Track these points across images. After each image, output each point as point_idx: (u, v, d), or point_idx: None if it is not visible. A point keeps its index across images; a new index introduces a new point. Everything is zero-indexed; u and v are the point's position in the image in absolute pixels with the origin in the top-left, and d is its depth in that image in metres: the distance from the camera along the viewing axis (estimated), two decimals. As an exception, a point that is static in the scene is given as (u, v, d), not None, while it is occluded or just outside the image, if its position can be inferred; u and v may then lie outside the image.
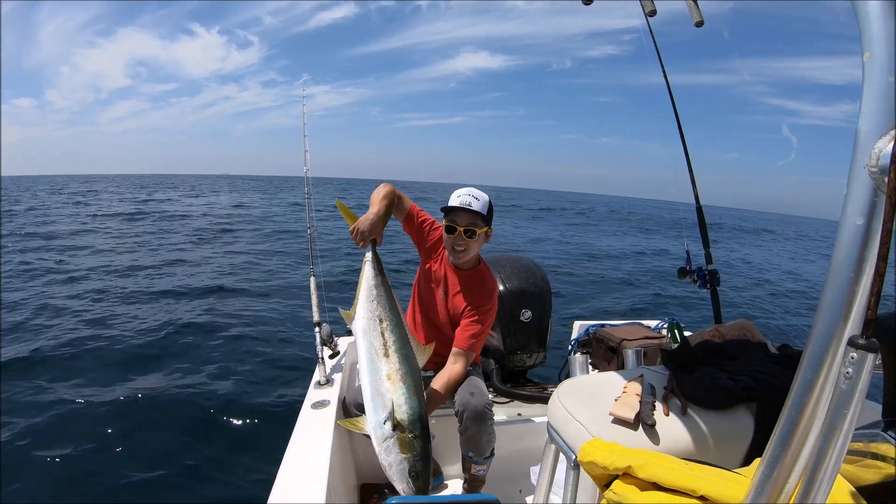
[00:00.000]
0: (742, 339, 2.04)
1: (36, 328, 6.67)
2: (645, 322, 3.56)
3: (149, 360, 5.79)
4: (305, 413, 2.38)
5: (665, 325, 3.43)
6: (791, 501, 0.69)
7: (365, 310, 2.15)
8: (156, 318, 7.29)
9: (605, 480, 1.02)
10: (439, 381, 2.32)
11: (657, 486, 0.89)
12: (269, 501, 1.74)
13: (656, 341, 3.05)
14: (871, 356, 0.59)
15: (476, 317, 2.44)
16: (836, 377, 0.63)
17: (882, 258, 0.59)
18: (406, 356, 2.06)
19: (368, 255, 2.25)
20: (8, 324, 6.72)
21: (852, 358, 0.60)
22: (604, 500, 1.03)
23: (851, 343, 0.60)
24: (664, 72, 3.08)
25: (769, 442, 0.70)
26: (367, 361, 2.06)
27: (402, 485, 1.87)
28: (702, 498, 0.82)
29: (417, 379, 2.04)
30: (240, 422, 4.52)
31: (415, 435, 1.90)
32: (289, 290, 9.26)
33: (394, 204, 2.38)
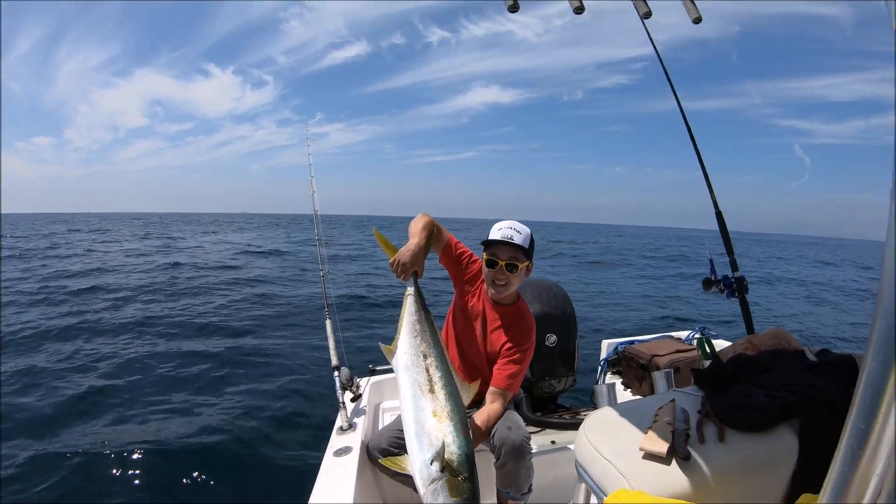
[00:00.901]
0: (776, 348, 1.92)
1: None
2: (675, 334, 3.45)
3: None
4: (328, 461, 2.31)
5: (697, 335, 3.31)
6: None
7: (408, 345, 2.05)
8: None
9: (638, 534, 0.93)
10: (479, 419, 2.23)
11: None
12: None
13: (688, 354, 2.94)
14: None
15: (515, 355, 2.35)
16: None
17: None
18: (452, 393, 1.95)
19: (410, 289, 2.16)
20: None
21: None
22: None
23: None
24: (668, 78, 3.01)
25: (831, 466, 0.60)
26: (410, 398, 1.95)
27: None
28: None
29: (464, 417, 1.92)
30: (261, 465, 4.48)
31: (464, 477, 1.78)
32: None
33: (433, 234, 2.32)
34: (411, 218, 2.35)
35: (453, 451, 1.80)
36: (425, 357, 2.01)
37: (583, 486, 1.45)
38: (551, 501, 2.64)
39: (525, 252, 2.32)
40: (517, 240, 2.30)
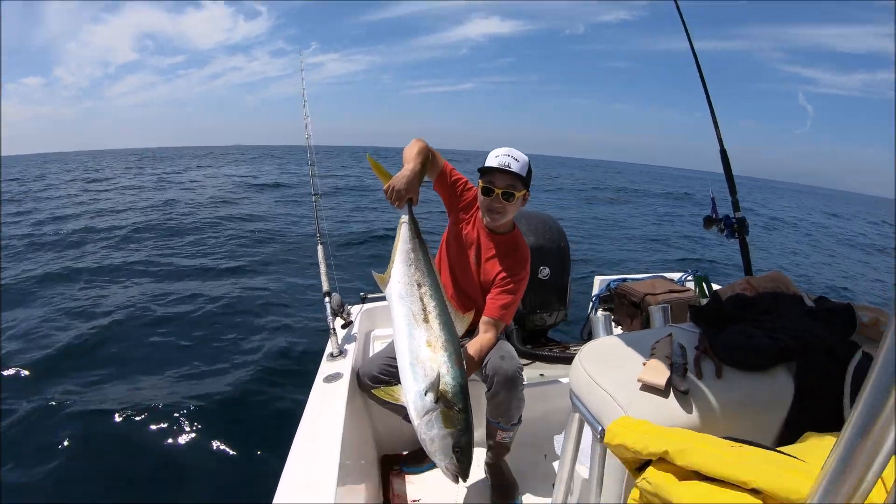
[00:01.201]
0: (775, 291, 1.89)
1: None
2: (668, 275, 3.44)
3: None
4: (318, 387, 2.31)
5: (690, 278, 3.30)
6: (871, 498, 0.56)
7: (402, 274, 2.02)
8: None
9: (637, 464, 0.91)
10: (472, 349, 2.22)
11: (699, 475, 0.77)
12: (281, 477, 1.68)
13: (681, 295, 2.93)
14: None
15: (510, 285, 2.33)
16: None
17: None
18: (446, 323, 1.92)
19: (405, 217, 2.11)
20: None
21: None
22: (635, 490, 0.91)
23: None
24: (678, 8, 2.87)
25: (844, 427, 0.57)
26: (404, 327, 1.92)
27: (444, 460, 1.77)
28: (754, 491, 0.70)
29: (458, 347, 1.92)
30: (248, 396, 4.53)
31: (459, 408, 1.79)
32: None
33: (428, 161, 2.24)
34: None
35: (448, 381, 1.80)
36: (419, 286, 1.97)
37: (576, 416, 1.44)
38: (540, 434, 2.68)
39: (522, 180, 2.27)
40: (514, 168, 2.24)
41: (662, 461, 0.83)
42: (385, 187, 2.09)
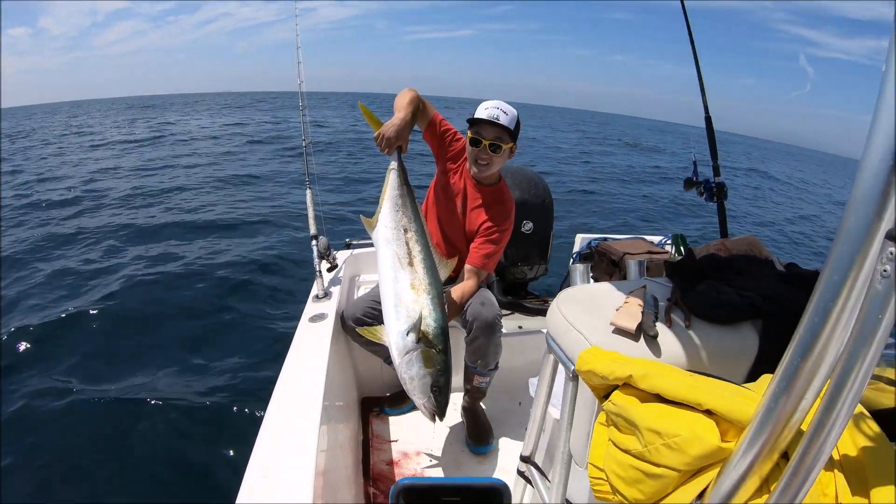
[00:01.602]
0: (748, 254, 1.97)
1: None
2: (648, 237, 3.51)
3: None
4: (303, 327, 2.36)
5: (668, 241, 3.38)
6: (808, 419, 0.63)
7: (389, 218, 2.08)
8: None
9: (605, 391, 0.98)
10: (454, 294, 2.30)
11: (660, 398, 0.85)
12: (266, 414, 1.73)
13: (659, 256, 3.00)
14: None
15: (493, 235, 2.39)
16: (868, 277, 0.55)
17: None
18: (430, 267, 2.01)
19: (394, 164, 2.17)
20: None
21: (891, 253, 0.51)
22: (602, 414, 0.99)
23: (890, 237, 0.51)
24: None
25: (787, 351, 0.64)
26: (390, 269, 2.00)
27: (422, 399, 1.87)
28: (707, 412, 0.77)
29: (441, 291, 2.01)
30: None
31: (439, 349, 1.88)
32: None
33: (418, 110, 2.27)
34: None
35: (429, 323, 1.88)
36: (406, 231, 2.03)
37: (551, 357, 1.51)
38: (516, 383, 2.78)
39: (510, 133, 2.30)
40: (503, 120, 2.27)
41: (627, 386, 0.90)
42: (375, 134, 2.12)
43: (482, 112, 2.29)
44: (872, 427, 0.74)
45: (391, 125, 2.11)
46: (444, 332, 1.92)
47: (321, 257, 2.77)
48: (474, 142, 2.30)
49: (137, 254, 6.96)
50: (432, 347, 1.87)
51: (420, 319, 1.87)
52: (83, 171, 14.60)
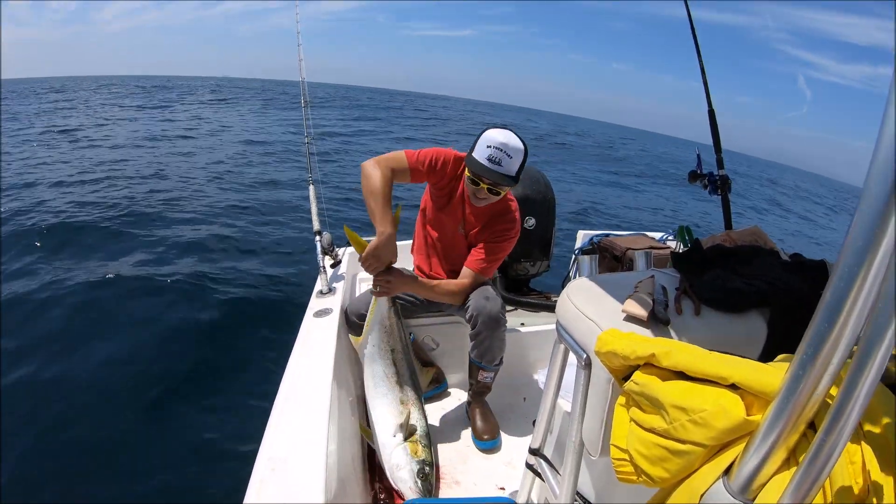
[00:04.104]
0: (754, 244, 1.98)
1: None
2: (649, 233, 3.52)
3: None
4: (308, 321, 2.36)
5: (670, 237, 3.39)
6: (835, 388, 0.64)
7: (378, 339, 2.24)
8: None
9: (625, 373, 0.98)
10: (442, 281, 2.35)
11: (682, 376, 0.85)
12: (273, 408, 1.73)
13: (661, 252, 3.01)
14: None
15: (497, 242, 2.36)
16: (892, 240, 0.55)
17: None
18: (415, 384, 2.24)
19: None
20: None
21: None
22: (622, 396, 0.98)
23: None
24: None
25: (812, 319, 0.64)
26: (380, 387, 2.19)
27: (409, 484, 1.99)
28: (732, 386, 0.77)
29: (422, 402, 2.26)
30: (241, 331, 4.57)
31: (424, 445, 2.09)
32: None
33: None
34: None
35: (415, 427, 2.13)
36: (393, 351, 2.23)
37: (562, 347, 1.51)
38: (519, 378, 2.79)
39: (512, 178, 2.18)
40: (504, 167, 2.14)
41: (648, 366, 0.90)
42: (361, 259, 2.16)
43: (483, 152, 2.14)
44: (892, 400, 0.74)
45: (379, 246, 2.09)
46: (429, 436, 2.15)
47: (324, 253, 2.78)
48: (472, 181, 2.20)
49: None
50: (418, 443, 2.08)
51: (408, 426, 2.09)
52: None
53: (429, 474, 2.03)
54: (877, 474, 0.66)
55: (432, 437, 2.18)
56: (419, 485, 1.98)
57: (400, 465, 2.02)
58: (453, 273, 2.49)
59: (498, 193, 2.23)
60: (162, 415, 3.52)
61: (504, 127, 2.21)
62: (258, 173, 12.62)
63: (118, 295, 5.23)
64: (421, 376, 2.30)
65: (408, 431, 2.08)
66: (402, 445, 2.05)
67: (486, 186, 2.18)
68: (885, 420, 0.71)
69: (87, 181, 10.39)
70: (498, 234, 2.36)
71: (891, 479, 0.66)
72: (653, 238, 3.35)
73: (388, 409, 2.14)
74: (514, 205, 2.44)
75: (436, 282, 2.33)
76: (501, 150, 2.12)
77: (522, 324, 3.10)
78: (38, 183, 9.93)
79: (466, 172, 2.22)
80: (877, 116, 0.55)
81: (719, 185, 2.67)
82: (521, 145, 2.17)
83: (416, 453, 2.04)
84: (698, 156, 2.79)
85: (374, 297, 2.26)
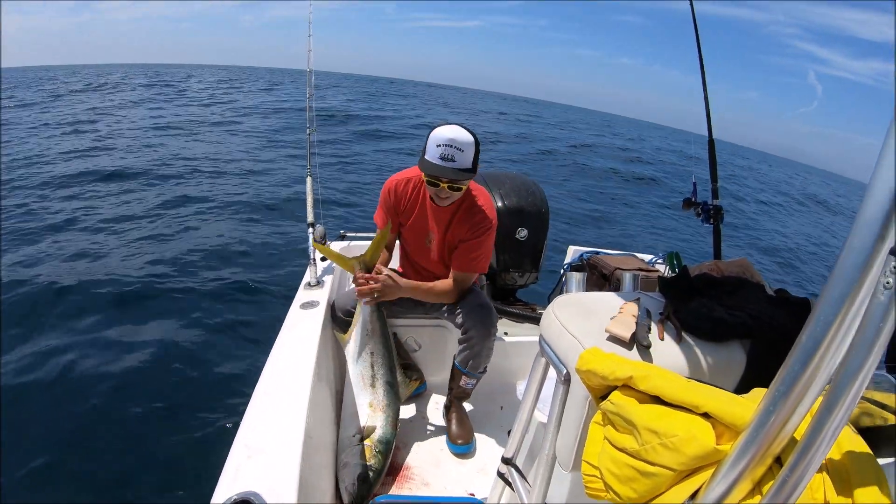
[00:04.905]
0: (741, 276, 2.01)
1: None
2: (639, 255, 3.55)
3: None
4: (294, 312, 2.37)
5: (659, 260, 3.42)
6: (804, 425, 0.66)
7: (359, 340, 2.31)
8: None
9: (602, 392, 1.00)
10: (432, 283, 2.37)
11: (658, 400, 0.87)
12: (253, 397, 1.74)
13: (650, 274, 3.04)
14: None
15: (475, 238, 2.35)
16: (871, 289, 0.58)
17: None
18: (390, 390, 2.28)
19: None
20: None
21: (894, 267, 0.54)
22: (598, 414, 1.01)
23: (894, 252, 0.55)
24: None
25: (787, 359, 0.67)
26: (354, 386, 2.25)
27: (345, 484, 2.05)
28: (705, 415, 0.80)
29: (396, 410, 2.28)
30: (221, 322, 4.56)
31: (378, 451, 2.13)
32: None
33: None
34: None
35: (378, 434, 2.16)
36: (372, 354, 2.29)
37: (543, 360, 1.53)
38: (498, 388, 2.81)
39: (469, 170, 2.18)
40: (458, 162, 2.13)
41: (626, 387, 0.93)
42: (357, 279, 2.31)
43: (434, 152, 2.14)
44: (852, 432, 0.77)
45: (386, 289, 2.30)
46: (388, 445, 2.17)
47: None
48: (431, 183, 2.20)
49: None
50: (373, 446, 2.13)
51: (369, 429, 2.14)
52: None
53: (370, 480, 2.06)
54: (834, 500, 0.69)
55: (405, 439, 2.23)
56: (355, 488, 2.02)
57: (346, 464, 2.08)
58: (431, 276, 2.54)
59: (459, 189, 2.22)
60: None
61: (450, 123, 2.21)
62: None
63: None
64: (403, 386, 2.37)
65: (366, 434, 2.13)
66: (357, 447, 2.10)
67: (445, 185, 2.18)
68: (846, 447, 0.73)
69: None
70: (472, 230, 2.34)
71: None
72: (642, 260, 3.37)
73: (355, 409, 2.20)
74: (482, 198, 2.40)
75: (428, 285, 2.35)
76: (451, 146, 2.11)
77: (506, 333, 3.11)
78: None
79: (423, 177, 2.22)
80: (886, 114, 0.58)
81: (712, 215, 2.71)
82: (470, 137, 2.16)
83: (366, 457, 2.08)
84: (694, 184, 2.82)
85: (358, 299, 2.33)
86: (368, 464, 2.07)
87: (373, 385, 2.24)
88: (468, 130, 2.18)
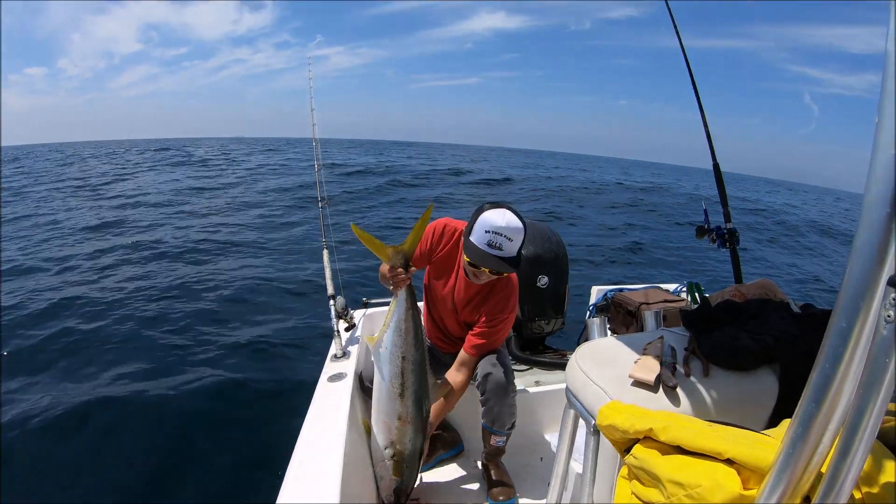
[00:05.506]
0: (763, 298, 1.98)
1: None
2: (664, 286, 3.52)
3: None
4: (322, 386, 2.38)
5: (684, 289, 3.38)
6: (826, 462, 0.65)
7: (391, 342, 2.11)
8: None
9: (626, 445, 0.99)
10: (435, 409, 2.27)
11: (680, 450, 0.86)
12: (287, 471, 1.74)
13: (676, 304, 3.00)
14: None
15: (492, 324, 2.31)
16: (874, 323, 0.57)
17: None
18: (419, 399, 2.11)
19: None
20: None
21: (893, 300, 0.54)
22: (625, 468, 0.99)
23: (892, 283, 0.54)
24: (672, 16, 2.99)
25: (801, 398, 0.66)
26: (384, 397, 2.10)
27: (384, 495, 2.15)
28: (728, 461, 0.78)
29: (426, 420, 2.15)
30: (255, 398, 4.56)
31: (407, 465, 2.11)
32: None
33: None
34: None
35: (406, 446, 2.10)
36: (404, 359, 2.09)
37: (572, 412, 1.52)
38: (536, 438, 2.76)
39: (515, 259, 2.10)
40: (505, 251, 2.06)
41: (648, 439, 0.91)
42: (389, 267, 2.08)
43: (482, 238, 2.06)
44: (891, 461, 0.75)
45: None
46: (418, 455, 2.12)
47: (339, 317, 2.81)
48: (472, 265, 2.12)
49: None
50: (403, 462, 2.10)
51: (399, 443, 2.09)
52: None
53: (405, 492, 2.14)
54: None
55: (447, 500, 2.28)
56: (393, 501, 2.12)
57: (382, 477, 2.16)
58: (446, 336, 2.55)
59: (501, 275, 2.19)
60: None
61: (500, 205, 2.13)
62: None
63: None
64: (433, 390, 2.19)
65: (397, 450, 2.10)
66: (389, 461, 2.11)
67: (488, 271, 2.12)
68: (882, 482, 0.71)
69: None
70: (491, 316, 2.30)
71: None
72: (667, 291, 3.34)
73: (384, 421, 2.10)
74: (509, 280, 2.34)
75: (445, 393, 2.30)
76: (501, 235, 2.04)
77: (538, 382, 3.08)
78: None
79: (465, 258, 2.15)
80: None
81: (727, 239, 2.69)
82: (519, 224, 2.08)
83: (398, 471, 2.10)
84: (705, 211, 2.81)
85: (393, 293, 2.14)
86: (402, 479, 2.12)
87: (402, 395, 2.06)
88: (517, 215, 2.10)
